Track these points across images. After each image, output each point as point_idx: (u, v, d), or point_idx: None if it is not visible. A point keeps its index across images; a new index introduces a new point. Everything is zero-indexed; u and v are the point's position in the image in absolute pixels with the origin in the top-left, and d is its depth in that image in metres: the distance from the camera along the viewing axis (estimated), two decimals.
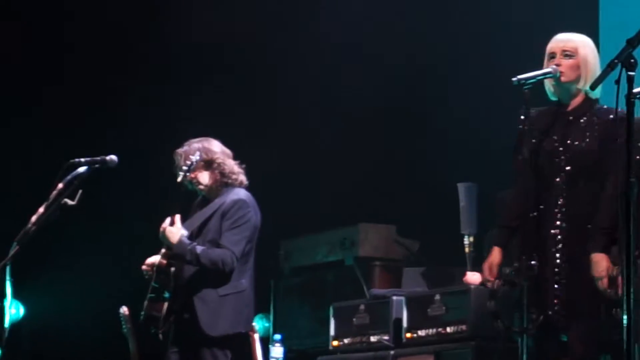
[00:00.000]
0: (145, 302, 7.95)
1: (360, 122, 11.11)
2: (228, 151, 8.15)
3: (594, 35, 8.08)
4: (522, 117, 6.73)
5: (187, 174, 7.84)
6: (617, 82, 5.59)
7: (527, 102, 6.79)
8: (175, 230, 7.70)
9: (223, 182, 7.99)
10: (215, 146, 8.08)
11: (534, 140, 6.83)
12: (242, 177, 7.98)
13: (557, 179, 6.77)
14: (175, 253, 7.76)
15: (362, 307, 9.08)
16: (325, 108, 11.09)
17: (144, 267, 7.93)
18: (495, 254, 6.95)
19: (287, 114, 11.01)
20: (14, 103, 11.94)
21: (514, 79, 6.59)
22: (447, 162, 10.38)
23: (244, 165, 8.08)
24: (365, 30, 11.92)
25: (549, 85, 6.80)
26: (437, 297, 8.67)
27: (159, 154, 8.78)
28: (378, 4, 11.98)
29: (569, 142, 6.78)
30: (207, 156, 7.99)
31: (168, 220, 7.48)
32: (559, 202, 6.76)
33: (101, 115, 10.93)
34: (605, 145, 6.67)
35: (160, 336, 7.99)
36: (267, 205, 8.43)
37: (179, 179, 7.81)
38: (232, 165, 8.01)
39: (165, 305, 7.89)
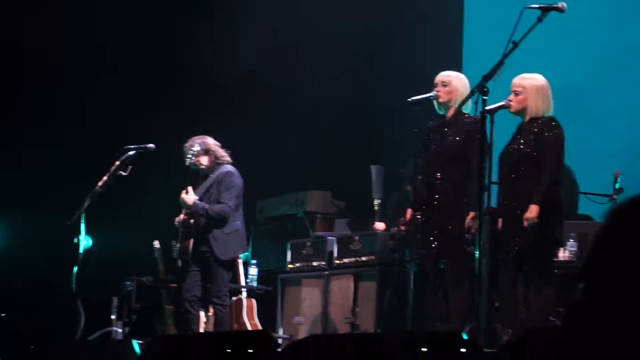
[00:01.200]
0: (178, 242, 8.53)
1: (310, 118, 10.80)
2: (217, 142, 8.59)
3: (460, 70, 8.33)
4: (416, 130, 7.22)
5: (192, 159, 8.42)
6: (476, 102, 6.46)
7: (418, 115, 7.28)
8: (189, 196, 8.27)
9: (217, 162, 8.51)
10: (209, 140, 8.55)
11: (430, 136, 7.27)
12: (228, 158, 8.53)
13: (437, 163, 7.20)
14: (192, 211, 8.35)
15: (308, 243, 9.30)
16: (292, 109, 10.76)
17: (175, 220, 8.46)
18: (407, 212, 7.51)
19: (263, 112, 10.82)
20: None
21: (409, 99, 7.22)
22: (366, 149, 10.25)
23: (229, 151, 8.57)
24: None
25: (435, 104, 7.26)
26: (357, 237, 8.89)
27: (177, 148, 8.78)
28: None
29: (444, 140, 7.20)
30: (204, 147, 8.49)
31: (184, 190, 8.10)
32: (438, 178, 7.13)
33: (138, 118, 10.74)
34: (468, 140, 7.01)
35: (188, 260, 8.46)
36: (247, 176, 8.74)
37: (187, 163, 8.44)
38: (221, 151, 8.53)
39: (191, 242, 8.44)
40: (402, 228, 8.14)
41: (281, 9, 11.03)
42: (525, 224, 6.68)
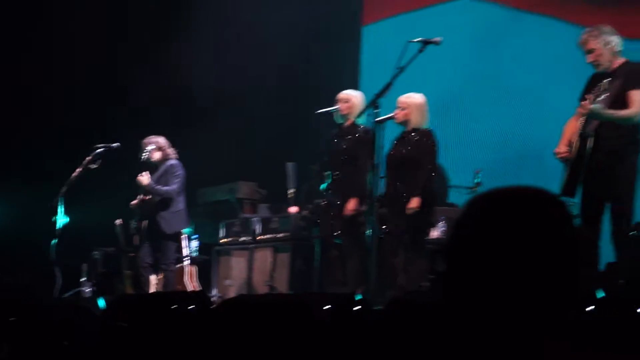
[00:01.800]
0: (135, 220, 8.71)
1: (242, 124, 10.88)
2: (167, 141, 8.61)
3: (357, 88, 8.44)
4: (324, 134, 7.63)
5: (147, 154, 8.45)
6: (370, 115, 6.56)
7: (322, 125, 7.80)
8: (145, 178, 8.24)
9: (166, 157, 8.52)
10: (161, 139, 8.58)
11: (332, 140, 7.41)
12: (175, 154, 8.55)
13: (337, 162, 7.33)
14: (146, 190, 8.36)
15: (237, 223, 9.43)
16: (228, 117, 10.76)
17: (131, 204, 8.60)
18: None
19: (204, 119, 10.70)
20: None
21: (317, 112, 7.52)
22: (284, 149, 10.26)
23: (177, 149, 8.62)
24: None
25: (335, 116, 7.38)
26: (275, 218, 9.08)
27: (136, 145, 8.80)
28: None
29: (341, 144, 7.33)
30: (157, 145, 8.52)
31: (141, 174, 8.10)
32: (336, 173, 7.31)
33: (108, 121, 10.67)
34: (359, 145, 7.15)
35: (142, 234, 8.62)
36: (191, 169, 8.80)
37: (143, 158, 8.47)
38: (170, 149, 8.55)
39: (146, 221, 8.53)
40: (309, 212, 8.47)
41: (216, 37, 10.86)
42: (409, 211, 6.79)
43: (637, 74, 5.83)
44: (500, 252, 1.78)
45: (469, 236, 1.97)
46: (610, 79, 5.78)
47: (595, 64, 5.97)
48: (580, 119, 5.86)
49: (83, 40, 10.62)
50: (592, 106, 5.64)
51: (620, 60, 5.91)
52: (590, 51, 5.91)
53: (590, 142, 5.82)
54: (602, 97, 5.68)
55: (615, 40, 5.95)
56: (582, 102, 5.84)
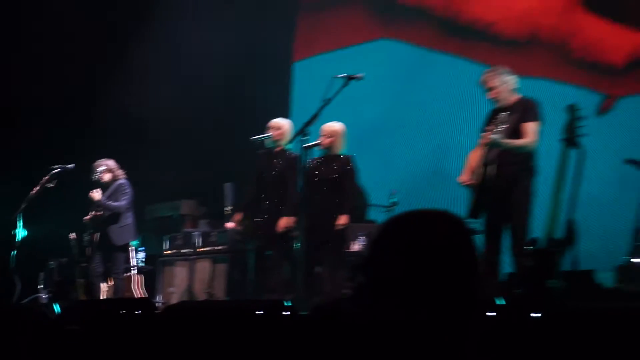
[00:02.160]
0: (87, 234, 8.48)
1: (185, 148, 10.84)
2: (116, 163, 8.42)
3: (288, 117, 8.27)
4: (258, 159, 7.30)
5: (98, 175, 8.27)
6: (299, 141, 6.35)
7: (256, 150, 7.40)
8: (96, 194, 8.03)
9: (115, 177, 8.33)
10: (111, 161, 8.41)
11: (264, 164, 7.21)
12: (124, 175, 8.31)
13: (268, 183, 7.18)
14: (98, 206, 8.18)
15: (180, 236, 9.29)
16: (173, 143, 10.78)
17: (84, 219, 8.40)
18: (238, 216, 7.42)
19: (152, 145, 10.59)
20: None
21: (251, 138, 7.25)
22: (222, 171, 10.18)
23: (125, 171, 8.39)
24: None
25: (267, 142, 7.18)
26: (214, 233, 9.03)
27: (88, 167, 8.63)
28: None
29: (273, 167, 7.13)
30: (108, 167, 8.36)
31: (93, 191, 7.89)
32: (267, 193, 7.17)
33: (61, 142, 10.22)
34: (288, 168, 7.06)
35: (94, 246, 8.45)
36: (139, 188, 8.63)
37: (94, 178, 8.29)
38: (119, 171, 8.35)
39: (96, 234, 8.30)
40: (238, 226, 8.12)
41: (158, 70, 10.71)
42: (338, 227, 6.77)
43: (531, 109, 5.89)
44: (409, 265, 1.80)
45: (383, 251, 1.99)
46: (508, 112, 5.84)
47: (494, 100, 6.02)
48: (483, 148, 5.90)
49: (37, 63, 10.37)
50: (492, 136, 5.67)
51: (516, 97, 5.97)
52: (490, 89, 5.97)
53: (492, 169, 5.87)
54: (501, 128, 5.73)
55: (512, 79, 6.04)
56: (484, 134, 5.89)
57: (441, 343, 1.87)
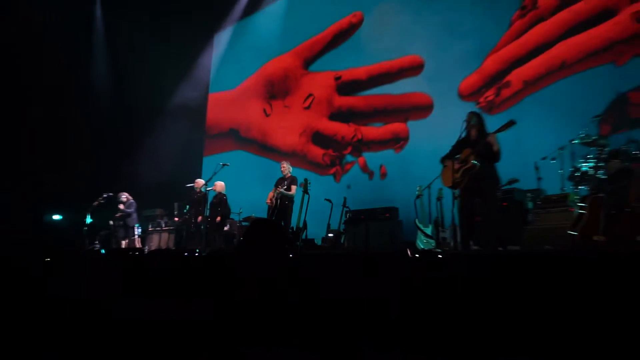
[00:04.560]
0: (117, 220, 10.25)
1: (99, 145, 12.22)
2: (128, 194, 9.66)
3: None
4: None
5: (121, 199, 9.57)
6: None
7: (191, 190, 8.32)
8: (121, 205, 8.72)
9: (128, 199, 9.66)
10: (126, 193, 9.55)
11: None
12: (131, 198, 9.11)
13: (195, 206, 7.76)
14: (121, 211, 9.48)
15: (155, 223, 11.03)
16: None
17: (116, 215, 9.62)
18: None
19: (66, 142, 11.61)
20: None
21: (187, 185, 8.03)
22: (173, 198, 11.55)
23: (132, 196, 9.21)
24: None
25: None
26: (169, 222, 10.78)
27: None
28: None
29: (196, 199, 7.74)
30: (125, 196, 9.78)
31: None
32: (195, 210, 8.17)
33: None
34: (201, 198, 7.66)
35: (117, 226, 10.30)
36: (139, 203, 10.59)
37: (119, 200, 9.38)
38: (130, 197, 9.49)
39: (121, 221, 9.73)
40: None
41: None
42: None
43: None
44: (256, 240, 2.68)
45: (247, 235, 3.02)
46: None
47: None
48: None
49: None
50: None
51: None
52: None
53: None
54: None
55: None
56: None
57: (272, 274, 2.81)
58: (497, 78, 9.34)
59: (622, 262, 2.85)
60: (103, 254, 6.74)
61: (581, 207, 6.15)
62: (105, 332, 3.70)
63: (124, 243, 11.35)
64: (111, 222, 11.66)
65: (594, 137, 7.14)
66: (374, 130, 11.10)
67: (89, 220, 10.47)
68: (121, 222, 11.53)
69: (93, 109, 12.21)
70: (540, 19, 9.04)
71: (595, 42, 8.29)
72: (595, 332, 2.71)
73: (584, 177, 7.00)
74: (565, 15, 8.78)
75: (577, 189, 7.08)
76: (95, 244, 10.97)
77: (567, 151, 7.45)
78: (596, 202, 5.92)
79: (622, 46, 8.02)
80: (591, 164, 6.92)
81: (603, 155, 6.74)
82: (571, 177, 7.15)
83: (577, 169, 7.14)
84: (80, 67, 12.09)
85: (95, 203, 10.75)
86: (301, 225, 8.26)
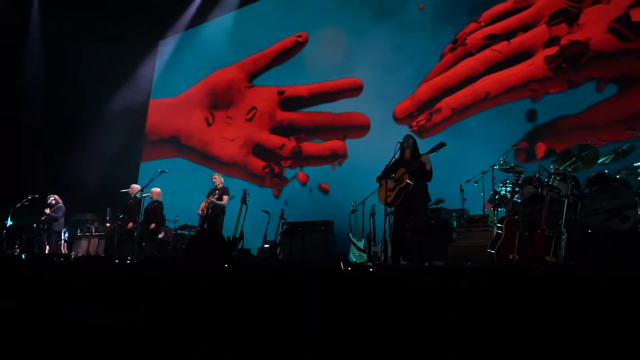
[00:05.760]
0: (42, 223, 9.84)
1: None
2: (58, 197, 9.36)
3: None
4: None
5: (50, 201, 9.20)
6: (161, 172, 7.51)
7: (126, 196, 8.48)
8: (48, 209, 8.62)
9: (57, 202, 9.31)
10: (56, 196, 9.38)
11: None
12: (60, 201, 9.00)
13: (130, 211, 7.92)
14: (48, 214, 9.30)
15: (85, 227, 10.42)
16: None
17: (42, 218, 9.14)
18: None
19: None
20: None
21: (121, 190, 8.08)
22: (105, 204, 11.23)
23: (61, 199, 9.00)
24: None
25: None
26: (99, 227, 10.31)
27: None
28: None
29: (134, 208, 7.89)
30: (54, 198, 9.59)
31: None
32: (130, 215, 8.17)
33: None
34: (134, 205, 7.53)
35: (43, 230, 9.79)
36: (67, 206, 10.06)
37: (48, 202, 9.14)
38: (59, 199, 9.34)
39: (46, 225, 9.37)
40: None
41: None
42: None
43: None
44: (201, 248, 3.13)
45: (191, 243, 3.73)
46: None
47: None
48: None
49: None
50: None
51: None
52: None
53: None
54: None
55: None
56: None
57: (213, 275, 2.74)
58: (428, 104, 9.88)
59: (533, 278, 3.02)
60: (23, 259, 6.47)
61: (499, 228, 6.47)
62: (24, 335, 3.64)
63: (47, 248, 10.70)
64: (35, 226, 11.01)
65: (511, 164, 7.55)
66: (314, 146, 11.39)
67: (9, 222, 9.97)
68: (46, 226, 10.86)
69: (25, 108, 11.82)
70: (469, 54, 9.82)
71: (514, 79, 9.02)
72: (509, 341, 2.82)
73: (502, 200, 7.37)
74: (489, 54, 9.59)
75: (496, 211, 7.48)
76: (15, 248, 10.55)
77: (489, 175, 7.89)
78: (511, 224, 6.28)
79: (536, 84, 8.78)
80: (509, 188, 7.27)
81: (519, 181, 7.07)
82: (491, 200, 7.51)
83: (497, 192, 7.52)
84: (13, 62, 11.80)
85: (18, 205, 10.24)
86: (237, 235, 8.26)
